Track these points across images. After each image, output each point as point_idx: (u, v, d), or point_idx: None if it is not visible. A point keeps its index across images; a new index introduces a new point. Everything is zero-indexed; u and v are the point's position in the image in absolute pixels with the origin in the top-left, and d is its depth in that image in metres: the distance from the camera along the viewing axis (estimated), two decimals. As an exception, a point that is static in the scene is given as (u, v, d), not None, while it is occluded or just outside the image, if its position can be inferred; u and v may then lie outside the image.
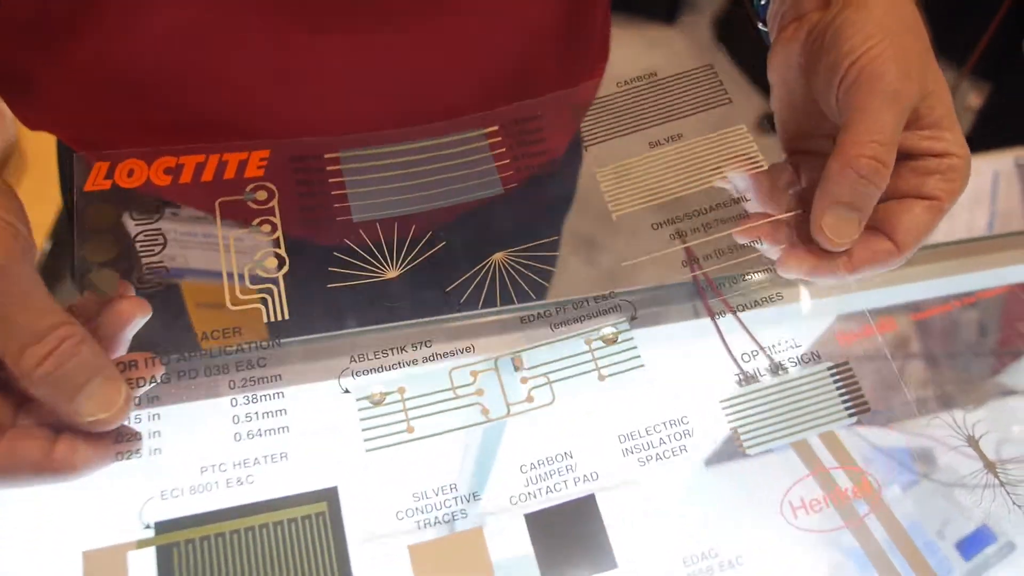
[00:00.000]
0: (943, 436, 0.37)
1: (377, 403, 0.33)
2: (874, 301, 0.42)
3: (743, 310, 0.36)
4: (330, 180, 0.36)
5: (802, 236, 0.34)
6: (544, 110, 0.39)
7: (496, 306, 0.36)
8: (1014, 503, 0.34)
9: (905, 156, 0.31)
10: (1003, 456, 0.36)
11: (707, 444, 0.33)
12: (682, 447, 0.33)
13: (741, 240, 0.36)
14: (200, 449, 0.30)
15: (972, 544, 0.36)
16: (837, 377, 0.34)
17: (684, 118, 0.41)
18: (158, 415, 0.31)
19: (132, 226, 0.35)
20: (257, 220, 0.34)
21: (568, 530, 0.31)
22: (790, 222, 0.35)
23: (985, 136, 1.38)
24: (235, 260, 0.34)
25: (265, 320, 0.33)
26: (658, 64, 0.44)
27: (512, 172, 0.38)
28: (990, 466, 0.36)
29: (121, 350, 0.31)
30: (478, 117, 0.39)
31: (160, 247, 0.34)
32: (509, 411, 0.33)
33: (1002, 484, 0.34)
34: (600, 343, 0.35)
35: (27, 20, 0.36)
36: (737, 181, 0.37)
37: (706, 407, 0.34)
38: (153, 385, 0.31)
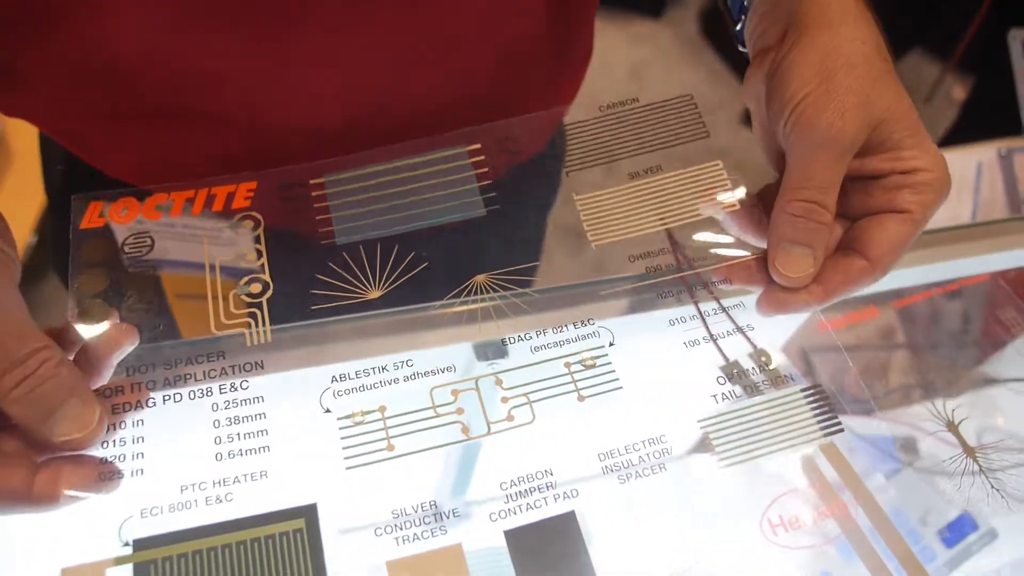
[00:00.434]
0: (925, 424, 0.37)
1: (358, 422, 0.33)
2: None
3: (725, 296, 0.37)
4: (315, 205, 0.37)
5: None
6: (526, 128, 0.41)
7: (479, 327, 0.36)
8: (993, 487, 0.34)
9: (873, 178, 0.32)
10: (983, 443, 0.36)
11: (685, 460, 0.33)
12: (661, 464, 0.33)
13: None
14: (181, 469, 0.31)
15: (954, 531, 0.36)
16: (811, 398, 0.35)
17: (664, 149, 0.42)
18: (142, 437, 0.31)
19: (124, 258, 0.35)
20: (243, 248, 0.35)
21: (548, 547, 0.31)
22: (761, 262, 0.36)
23: (969, 128, 1.39)
24: (220, 283, 0.34)
25: (248, 344, 0.34)
26: (645, 58, 0.45)
27: (495, 193, 0.39)
28: (969, 451, 0.36)
29: (106, 375, 0.31)
30: (461, 134, 0.40)
31: (147, 248, 0.35)
32: (489, 430, 0.34)
33: (982, 471, 0.35)
34: (579, 366, 0.36)
35: (7, 8, 0.36)
36: (717, 216, 0.38)
37: (684, 426, 0.34)
38: (140, 409, 0.32)
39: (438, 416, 0.34)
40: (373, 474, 0.32)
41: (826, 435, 0.34)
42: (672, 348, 0.36)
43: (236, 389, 0.33)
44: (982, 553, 0.37)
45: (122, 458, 0.30)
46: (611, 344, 0.36)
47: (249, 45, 0.37)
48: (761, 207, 0.38)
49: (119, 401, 0.32)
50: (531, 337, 0.36)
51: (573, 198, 0.40)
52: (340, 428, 0.33)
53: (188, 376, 0.33)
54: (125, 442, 0.31)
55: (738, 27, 0.38)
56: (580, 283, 0.38)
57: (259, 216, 0.36)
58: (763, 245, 0.36)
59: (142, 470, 0.30)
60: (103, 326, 0.32)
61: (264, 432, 0.32)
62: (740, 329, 0.36)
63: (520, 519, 0.31)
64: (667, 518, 0.32)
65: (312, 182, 0.37)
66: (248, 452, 0.32)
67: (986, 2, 1.34)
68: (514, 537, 0.31)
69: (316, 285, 0.35)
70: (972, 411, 0.37)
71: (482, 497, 0.32)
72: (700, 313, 0.37)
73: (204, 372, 0.33)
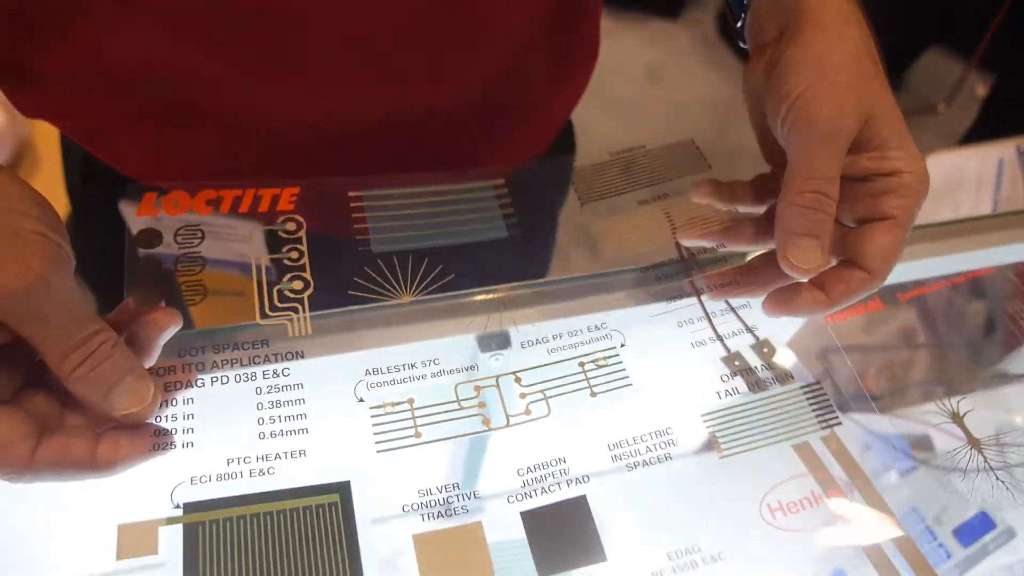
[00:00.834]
0: (930, 416, 0.39)
1: (388, 412, 0.36)
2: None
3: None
4: (353, 215, 0.41)
5: (782, 279, 0.37)
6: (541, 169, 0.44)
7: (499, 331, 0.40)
8: (998, 479, 0.36)
9: (859, 179, 0.34)
10: (988, 435, 0.37)
11: (690, 451, 0.36)
12: (667, 455, 0.36)
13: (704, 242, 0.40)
14: (228, 443, 0.33)
15: (970, 531, 0.38)
16: (809, 394, 0.38)
17: (669, 181, 0.45)
18: (192, 414, 0.34)
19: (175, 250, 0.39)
20: (286, 248, 0.39)
21: (561, 527, 0.33)
22: (767, 265, 0.38)
23: (990, 125, 1.42)
24: (265, 280, 0.38)
25: (290, 335, 0.37)
26: (662, 58, 0.47)
27: (515, 220, 0.43)
28: (974, 443, 0.37)
29: (154, 356, 0.34)
30: (487, 171, 0.44)
31: (199, 240, 0.38)
32: (508, 422, 0.36)
33: (987, 463, 0.36)
34: (592, 366, 0.38)
35: (21, 10, 0.38)
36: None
37: (689, 419, 0.37)
38: (189, 388, 0.35)
39: (462, 408, 0.36)
40: (401, 457, 0.34)
41: (824, 428, 0.37)
42: (680, 349, 0.39)
43: (278, 375, 0.36)
44: (999, 552, 0.38)
45: (175, 432, 0.33)
46: (622, 345, 0.39)
47: (250, 48, 0.38)
48: (749, 221, 0.40)
49: (171, 380, 0.35)
50: (548, 340, 0.39)
51: (586, 223, 0.44)
52: (372, 416, 0.36)
53: (235, 361, 0.36)
54: (177, 418, 0.34)
55: (739, 24, 0.40)
56: (590, 275, 0.42)
57: (301, 219, 0.40)
58: (758, 251, 0.39)
59: (192, 443, 0.33)
60: (151, 311, 0.35)
61: (303, 416, 0.35)
62: (747, 327, 0.39)
63: (535, 502, 0.34)
64: (670, 503, 0.35)
65: (351, 194, 0.41)
66: (288, 433, 0.34)
67: (1007, 2, 1.34)
68: (530, 518, 0.33)
69: (353, 286, 0.39)
70: (978, 403, 0.39)
71: (501, 482, 0.34)
72: (707, 313, 0.40)
73: (249, 358, 0.36)
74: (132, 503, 0.31)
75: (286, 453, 0.34)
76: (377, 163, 0.45)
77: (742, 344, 0.40)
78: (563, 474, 0.35)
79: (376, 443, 0.35)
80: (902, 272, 0.40)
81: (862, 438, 0.38)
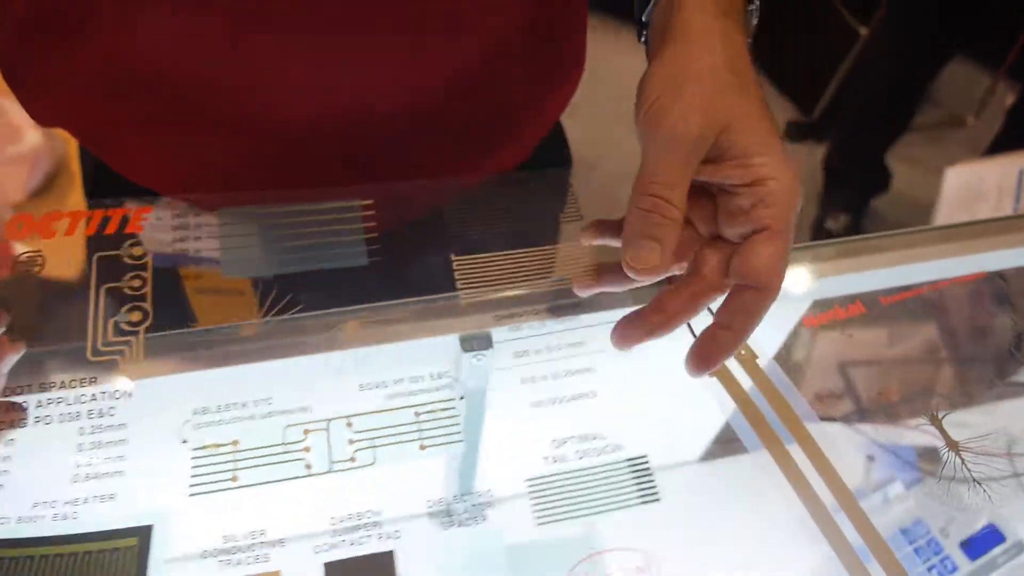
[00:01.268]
0: (909, 420, 0.39)
1: (211, 454, 0.36)
2: (845, 287, 0.47)
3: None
4: (206, 237, 0.40)
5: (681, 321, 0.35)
6: (420, 192, 0.44)
7: (339, 369, 0.40)
8: (974, 479, 0.36)
9: (730, 192, 0.33)
10: (968, 438, 0.38)
11: (507, 515, 0.36)
12: (483, 516, 0.36)
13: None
14: (38, 487, 0.34)
15: (978, 544, 0.37)
16: (633, 468, 0.38)
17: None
18: (9, 456, 0.34)
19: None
20: (129, 275, 0.39)
21: (361, 583, 0.34)
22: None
23: (1016, 135, 1.42)
24: (103, 312, 0.38)
25: (120, 372, 0.37)
26: None
27: (379, 246, 0.43)
28: (952, 446, 0.38)
29: None
30: (356, 190, 0.44)
31: (39, 268, 0.38)
32: (331, 468, 0.36)
33: (964, 465, 0.36)
34: (428, 416, 0.39)
35: (30, 15, 0.38)
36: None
37: (512, 482, 0.37)
38: (11, 430, 0.35)
39: (285, 452, 0.37)
40: (214, 501, 0.35)
41: (642, 503, 0.37)
42: (520, 409, 0.39)
43: (103, 415, 0.36)
44: (1008, 567, 0.37)
45: (-16, 472, 0.33)
46: (461, 398, 0.39)
47: (252, 50, 0.39)
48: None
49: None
50: (388, 385, 0.39)
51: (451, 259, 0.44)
52: (193, 458, 0.36)
53: (60, 400, 0.36)
54: (-9, 457, 0.34)
55: (643, 41, 0.40)
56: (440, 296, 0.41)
57: (147, 243, 0.40)
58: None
59: (2, 485, 0.34)
60: None
61: (121, 458, 0.35)
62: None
63: (341, 553, 0.34)
64: (479, 566, 0.35)
65: (205, 214, 0.41)
66: (103, 475, 0.35)
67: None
68: (332, 570, 0.34)
69: (194, 318, 0.39)
70: (957, 405, 0.39)
71: (311, 530, 0.35)
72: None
73: (76, 397, 0.36)
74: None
75: (95, 496, 0.34)
76: (367, 162, 0.45)
77: (579, 409, 0.40)
78: (375, 527, 0.35)
79: (190, 486, 0.35)
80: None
81: (870, 449, 0.38)
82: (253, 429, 0.37)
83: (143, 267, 0.39)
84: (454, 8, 0.42)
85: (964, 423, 0.41)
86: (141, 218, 0.40)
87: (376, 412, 0.38)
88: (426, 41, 0.43)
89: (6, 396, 0.36)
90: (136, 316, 0.38)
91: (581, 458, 0.38)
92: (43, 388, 0.36)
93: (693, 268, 0.35)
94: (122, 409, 0.37)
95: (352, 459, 0.37)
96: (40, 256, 0.39)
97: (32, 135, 1.28)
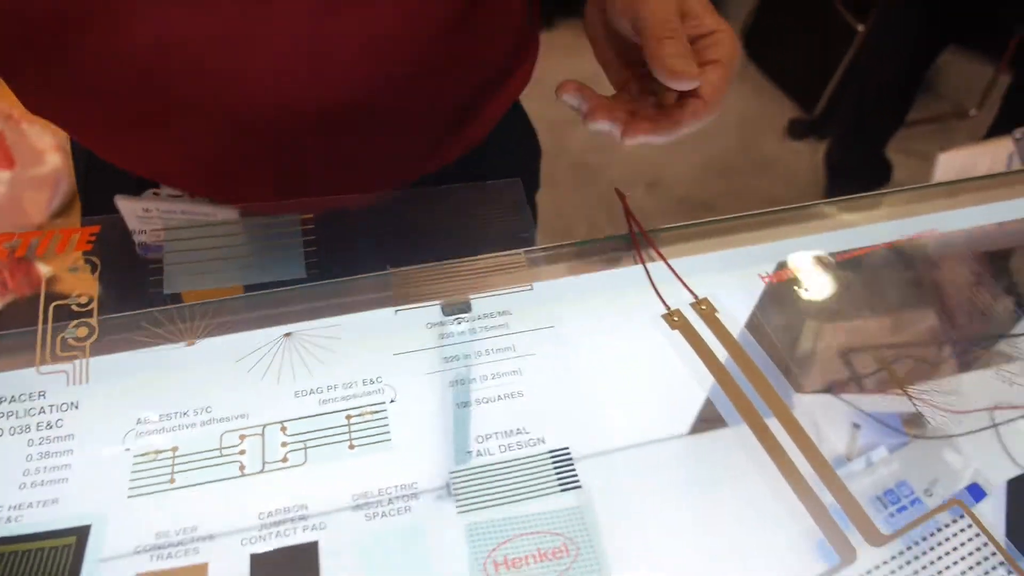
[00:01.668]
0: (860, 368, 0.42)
1: (151, 459, 0.38)
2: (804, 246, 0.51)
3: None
4: (151, 255, 0.43)
5: (641, 114, 0.44)
6: (357, 205, 0.47)
7: (277, 377, 0.42)
8: (924, 403, 0.39)
9: (690, 42, 0.42)
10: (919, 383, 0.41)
11: (431, 505, 0.38)
12: (407, 507, 0.38)
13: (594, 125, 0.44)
14: (-14, 492, 0.36)
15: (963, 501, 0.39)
16: (555, 459, 0.39)
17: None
18: (-38, 463, 0.37)
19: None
20: (77, 292, 0.42)
21: (286, 570, 0.35)
22: (628, 109, 0.44)
23: (1011, 121, 1.42)
24: (50, 328, 0.41)
25: (68, 384, 0.40)
26: None
27: (318, 259, 0.45)
28: (899, 383, 0.41)
29: None
30: (298, 203, 0.47)
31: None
32: (263, 468, 0.39)
33: (912, 399, 0.40)
34: (358, 419, 0.41)
35: (18, 14, 0.39)
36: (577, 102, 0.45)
37: (437, 475, 0.39)
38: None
39: (222, 456, 0.39)
40: (150, 503, 0.37)
41: (562, 491, 0.38)
42: (448, 409, 0.41)
43: (51, 427, 0.39)
44: None
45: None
46: (392, 401, 0.41)
47: (227, 30, 0.40)
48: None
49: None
50: (322, 391, 0.42)
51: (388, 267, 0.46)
52: (134, 463, 0.38)
53: (11, 414, 0.39)
54: (-58, 466, 0.37)
55: None
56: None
57: (97, 261, 0.43)
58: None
59: (-47, 491, 0.36)
60: None
61: (67, 465, 0.38)
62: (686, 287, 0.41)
63: (268, 545, 0.36)
64: (401, 554, 0.36)
65: (151, 230, 0.44)
66: (48, 482, 0.37)
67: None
68: (257, 560, 0.35)
69: (138, 331, 0.42)
70: (912, 355, 0.43)
71: (241, 525, 0.37)
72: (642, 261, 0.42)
73: (25, 410, 0.39)
74: None
75: (39, 502, 0.36)
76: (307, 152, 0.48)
77: (505, 407, 0.42)
78: (301, 520, 0.37)
79: (129, 489, 0.37)
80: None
81: (854, 416, 0.41)
82: (192, 435, 0.39)
83: (90, 284, 0.42)
84: None
85: (941, 384, 0.44)
86: (89, 236, 0.44)
87: (309, 417, 0.41)
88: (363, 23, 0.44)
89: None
90: (83, 331, 0.41)
91: (504, 451, 0.40)
92: (-6, 401, 0.39)
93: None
94: (69, 420, 0.39)
95: (284, 459, 0.39)
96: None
97: (52, 157, 1.33)
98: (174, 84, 0.43)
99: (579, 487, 0.39)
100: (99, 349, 0.41)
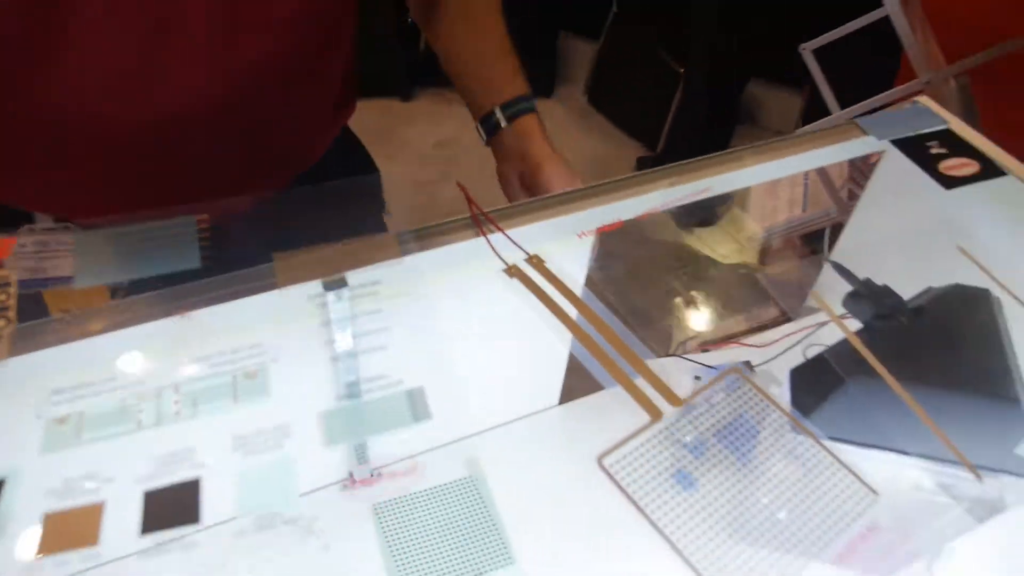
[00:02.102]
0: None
1: (62, 422, 0.45)
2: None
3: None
4: (62, 257, 0.50)
5: None
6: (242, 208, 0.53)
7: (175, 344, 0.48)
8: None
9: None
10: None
11: (299, 442, 0.44)
12: (279, 444, 0.44)
13: None
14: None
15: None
16: (411, 397, 0.46)
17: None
18: None
19: None
20: (-3, 295, 0.49)
21: (172, 501, 0.41)
22: None
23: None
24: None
25: (-12, 365, 0.46)
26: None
27: (211, 252, 0.52)
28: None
29: None
30: (196, 207, 0.54)
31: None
32: (159, 421, 0.45)
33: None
34: (243, 377, 0.47)
35: None
36: None
37: (308, 417, 0.45)
38: None
39: (124, 415, 0.45)
40: (59, 456, 0.43)
41: (416, 422, 0.44)
42: (320, 363, 0.48)
43: (-24, 398, 0.45)
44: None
45: None
46: (273, 360, 0.48)
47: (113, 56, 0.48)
48: None
49: None
50: (212, 357, 0.48)
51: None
52: (48, 428, 0.44)
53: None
54: None
55: (484, 142, 0.69)
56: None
57: (10, 273, 0.50)
58: None
59: None
60: None
61: (-13, 434, 0.44)
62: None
63: (158, 483, 0.42)
64: (271, 481, 0.42)
65: (65, 239, 0.51)
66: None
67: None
68: (149, 496, 0.41)
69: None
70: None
71: (137, 470, 0.43)
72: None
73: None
74: None
75: (-42, 461, 0.43)
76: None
77: (370, 358, 0.48)
78: (187, 461, 0.43)
79: (41, 447, 0.43)
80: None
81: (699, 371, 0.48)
82: (99, 403, 0.46)
83: (8, 284, 0.49)
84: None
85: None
86: (8, 248, 0.50)
87: (200, 379, 0.47)
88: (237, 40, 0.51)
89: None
90: (2, 323, 0.48)
91: (368, 393, 0.46)
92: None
93: None
94: (-9, 394, 0.46)
95: (177, 413, 0.45)
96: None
97: None
98: (64, 120, 0.50)
99: (430, 417, 0.45)
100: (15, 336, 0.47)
